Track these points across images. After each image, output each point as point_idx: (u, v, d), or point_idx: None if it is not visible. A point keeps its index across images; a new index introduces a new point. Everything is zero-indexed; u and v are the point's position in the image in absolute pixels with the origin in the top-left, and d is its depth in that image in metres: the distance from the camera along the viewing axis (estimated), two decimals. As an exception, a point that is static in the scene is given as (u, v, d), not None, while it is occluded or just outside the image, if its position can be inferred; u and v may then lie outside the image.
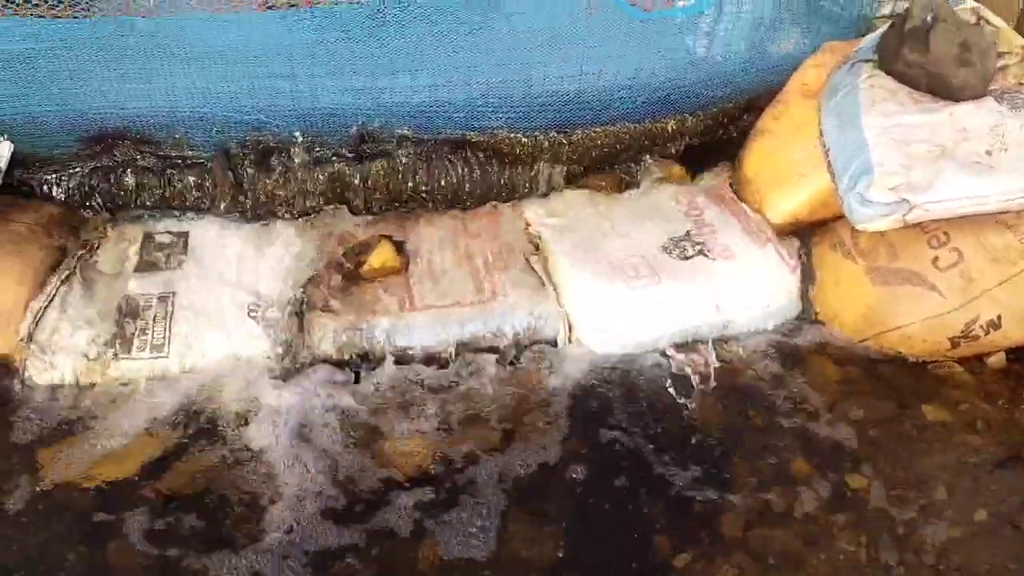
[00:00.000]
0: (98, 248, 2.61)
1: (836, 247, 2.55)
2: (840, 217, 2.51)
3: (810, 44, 2.86)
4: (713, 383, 2.41)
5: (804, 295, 2.59)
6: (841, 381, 2.42)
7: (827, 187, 2.53)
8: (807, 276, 2.60)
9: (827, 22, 2.86)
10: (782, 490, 2.14)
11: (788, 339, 2.54)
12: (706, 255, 2.59)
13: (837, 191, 2.44)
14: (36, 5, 2.42)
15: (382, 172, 2.83)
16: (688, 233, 2.67)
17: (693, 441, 2.26)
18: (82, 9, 2.45)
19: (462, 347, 2.48)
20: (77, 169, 2.73)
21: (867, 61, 2.59)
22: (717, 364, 2.44)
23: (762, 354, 2.49)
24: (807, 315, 2.59)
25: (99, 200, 2.76)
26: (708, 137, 3.02)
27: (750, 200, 2.77)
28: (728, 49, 2.84)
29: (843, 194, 2.40)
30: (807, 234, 2.68)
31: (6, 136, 2.58)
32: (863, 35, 2.76)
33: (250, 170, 2.77)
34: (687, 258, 2.59)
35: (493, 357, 2.47)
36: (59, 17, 2.46)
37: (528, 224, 2.79)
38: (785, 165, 2.68)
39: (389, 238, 2.66)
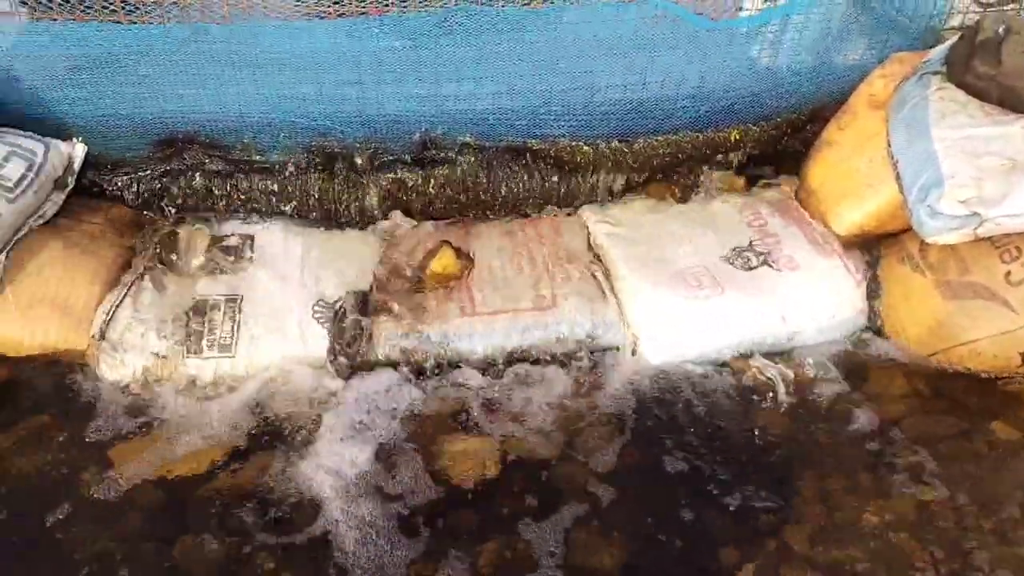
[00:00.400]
0: (167, 249, 2.65)
1: (904, 260, 2.51)
2: (907, 229, 2.48)
3: (877, 55, 2.83)
4: (776, 395, 2.39)
5: (870, 308, 2.56)
6: (908, 396, 2.38)
7: (895, 199, 2.49)
8: (873, 289, 2.56)
9: (895, 33, 2.81)
10: (848, 504, 2.11)
11: (854, 352, 2.52)
12: (771, 265, 2.57)
13: (906, 203, 2.41)
14: (114, 11, 2.48)
15: (444, 179, 2.85)
16: (751, 243, 2.65)
17: (757, 453, 2.24)
18: (158, 16, 2.51)
19: (522, 353, 2.49)
20: (147, 171, 2.78)
21: (936, 73, 2.55)
22: (780, 376, 2.42)
23: (827, 367, 2.46)
24: (873, 328, 2.56)
25: (168, 202, 2.81)
26: (771, 147, 2.99)
27: (814, 211, 2.75)
28: (793, 59, 2.82)
29: (912, 206, 2.37)
30: (874, 246, 2.64)
31: (80, 138, 2.64)
32: (931, 46, 2.72)
33: (315, 175, 2.81)
34: (751, 268, 2.57)
35: (553, 364, 2.48)
36: (135, 23, 2.52)
37: (589, 232, 2.79)
38: (851, 176, 2.65)
39: (450, 244, 2.68)
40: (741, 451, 2.25)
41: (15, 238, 2.42)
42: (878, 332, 2.55)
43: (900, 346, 2.51)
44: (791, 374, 2.43)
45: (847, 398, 2.39)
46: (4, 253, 2.38)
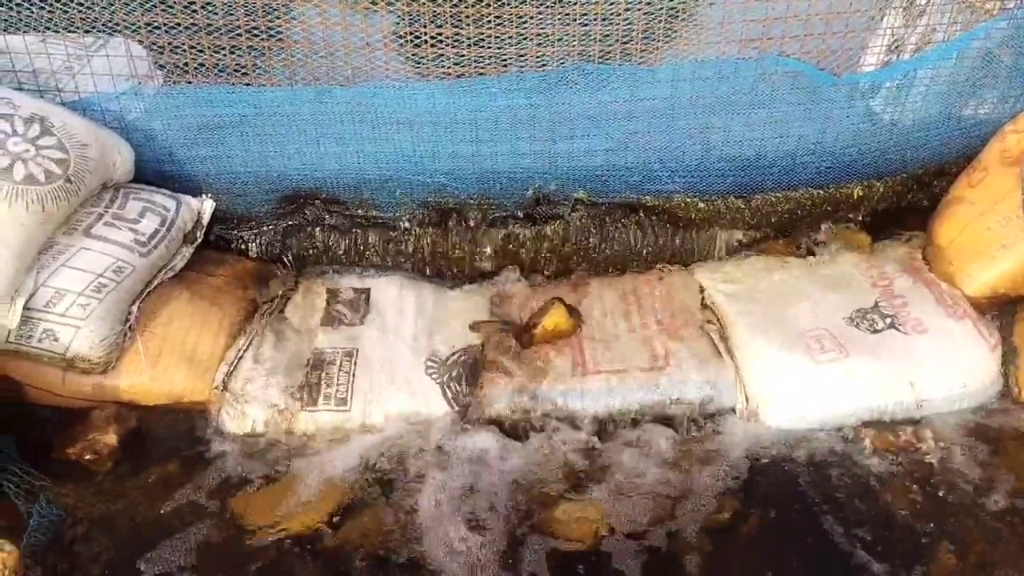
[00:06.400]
0: (287, 302, 2.73)
1: (1041, 325, 2.39)
2: (1046, 293, 2.36)
3: (1009, 109, 2.71)
4: (905, 465, 2.28)
5: (1005, 374, 2.42)
6: (1047, 470, 2.24)
7: (1032, 260, 2.38)
8: (1008, 354, 2.43)
9: (1028, 87, 2.70)
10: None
11: (987, 422, 2.38)
12: (897, 328, 2.47)
13: (1043, 266, 2.29)
14: (245, 74, 2.59)
15: (556, 235, 2.86)
16: (876, 304, 2.55)
17: (884, 527, 2.14)
18: (286, 79, 2.61)
19: (635, 414, 2.44)
20: (271, 226, 2.89)
21: (1075, 128, 2.44)
22: (909, 445, 2.31)
23: (959, 437, 2.33)
24: (1008, 396, 2.42)
25: (289, 256, 2.90)
26: (895, 203, 2.90)
27: (942, 270, 2.63)
28: (919, 114, 2.72)
29: (1051, 269, 2.25)
30: (1008, 309, 2.52)
31: (209, 194, 2.76)
32: (1069, 100, 2.60)
33: (429, 230, 2.86)
34: (876, 331, 2.47)
35: (667, 426, 2.42)
36: (264, 85, 2.62)
37: (703, 290, 2.74)
38: (983, 235, 2.53)
39: (562, 300, 2.66)
40: (866, 524, 2.14)
41: (146, 291, 2.53)
42: (1014, 400, 2.41)
43: (1039, 416, 2.37)
44: (922, 444, 2.31)
45: (980, 470, 2.25)
46: (136, 304, 2.48)
